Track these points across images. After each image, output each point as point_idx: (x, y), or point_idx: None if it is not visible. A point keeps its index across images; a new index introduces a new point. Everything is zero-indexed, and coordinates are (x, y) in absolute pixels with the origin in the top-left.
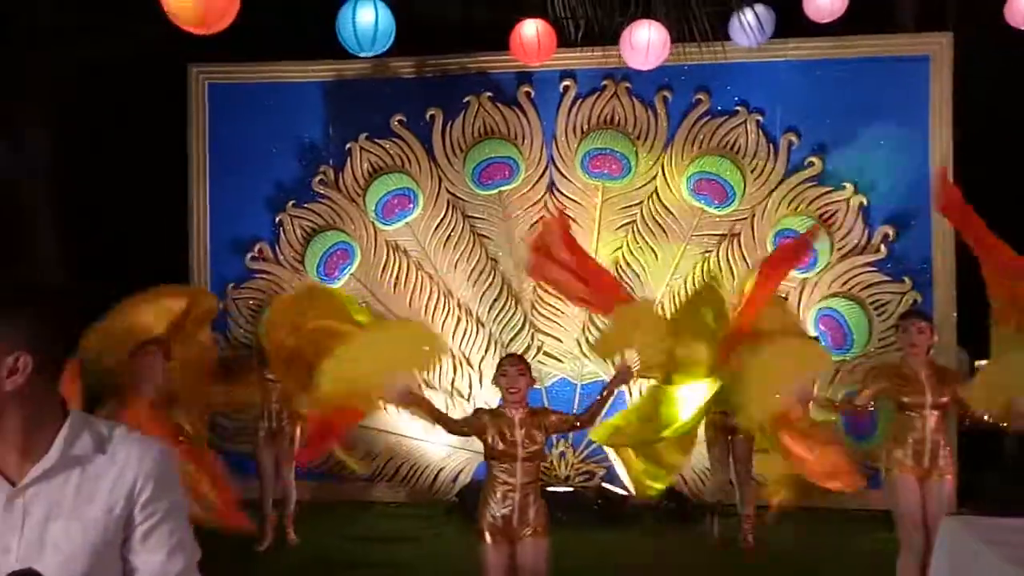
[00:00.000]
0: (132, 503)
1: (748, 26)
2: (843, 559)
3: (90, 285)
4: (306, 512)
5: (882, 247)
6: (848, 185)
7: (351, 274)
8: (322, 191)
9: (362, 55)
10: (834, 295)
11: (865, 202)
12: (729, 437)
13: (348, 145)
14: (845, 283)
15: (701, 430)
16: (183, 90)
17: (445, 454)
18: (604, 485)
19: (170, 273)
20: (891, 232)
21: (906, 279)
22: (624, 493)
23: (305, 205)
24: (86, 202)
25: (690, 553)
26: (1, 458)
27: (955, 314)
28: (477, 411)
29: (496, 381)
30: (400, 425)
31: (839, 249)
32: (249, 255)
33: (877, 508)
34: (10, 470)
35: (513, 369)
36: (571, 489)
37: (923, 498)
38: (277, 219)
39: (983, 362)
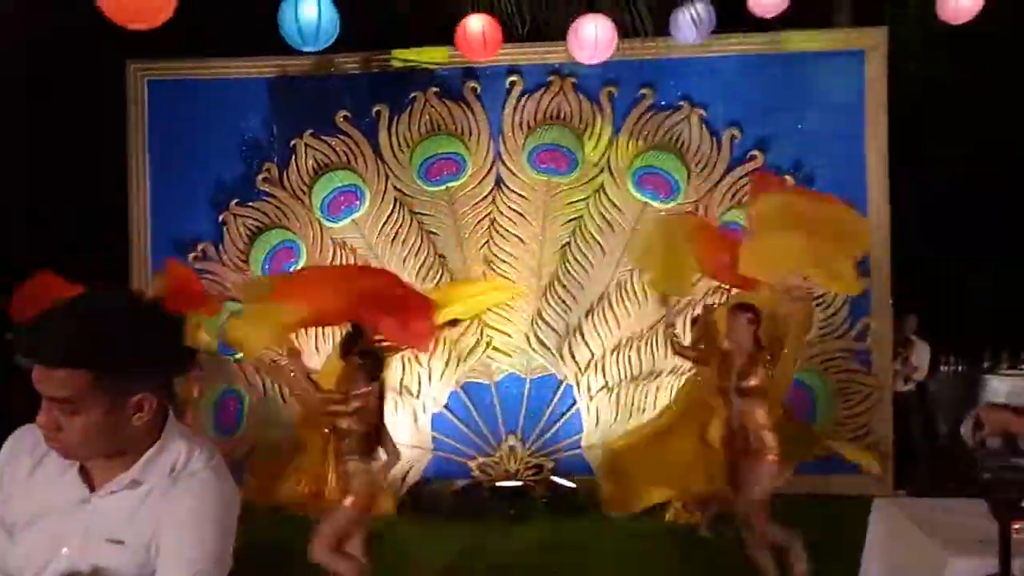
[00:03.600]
0: (157, 540)
1: (692, 20)
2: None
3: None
4: (251, 514)
5: None
6: (788, 178)
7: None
8: (266, 189)
9: (305, 50)
10: None
11: None
12: None
13: (292, 142)
14: None
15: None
16: (122, 87)
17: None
18: (553, 479)
19: (110, 275)
20: None
21: None
22: (572, 486)
23: (249, 204)
24: (22, 202)
25: (638, 542)
26: (98, 464)
27: (891, 302)
28: None
29: None
30: None
31: None
32: (191, 255)
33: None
34: (98, 475)
35: None
36: (520, 483)
37: None
38: (220, 218)
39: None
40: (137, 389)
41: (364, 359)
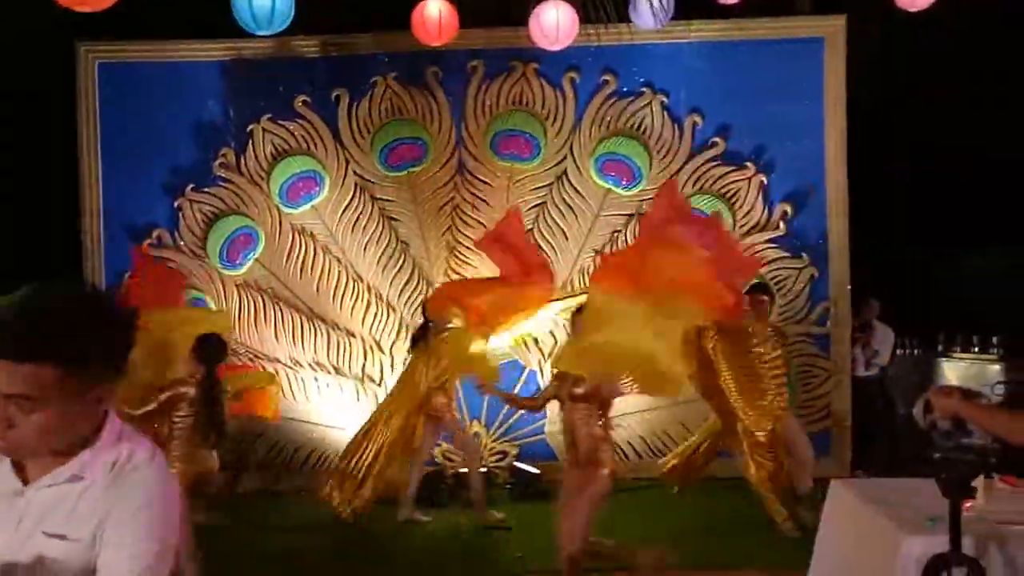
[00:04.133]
0: (100, 536)
1: (651, 6)
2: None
3: None
4: (234, 501)
5: (781, 224)
6: (749, 164)
7: (255, 259)
8: (223, 175)
9: (259, 34)
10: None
11: (765, 180)
12: None
13: (250, 127)
14: None
15: None
16: (72, 70)
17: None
18: (516, 464)
19: (61, 264)
20: (789, 209)
21: (804, 255)
22: (536, 471)
23: (205, 189)
24: None
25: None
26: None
27: (849, 287)
28: None
29: None
30: (318, 414)
31: (741, 227)
32: (147, 242)
33: None
34: (32, 469)
35: None
36: (484, 469)
37: None
38: (176, 204)
39: None
40: (95, 382)
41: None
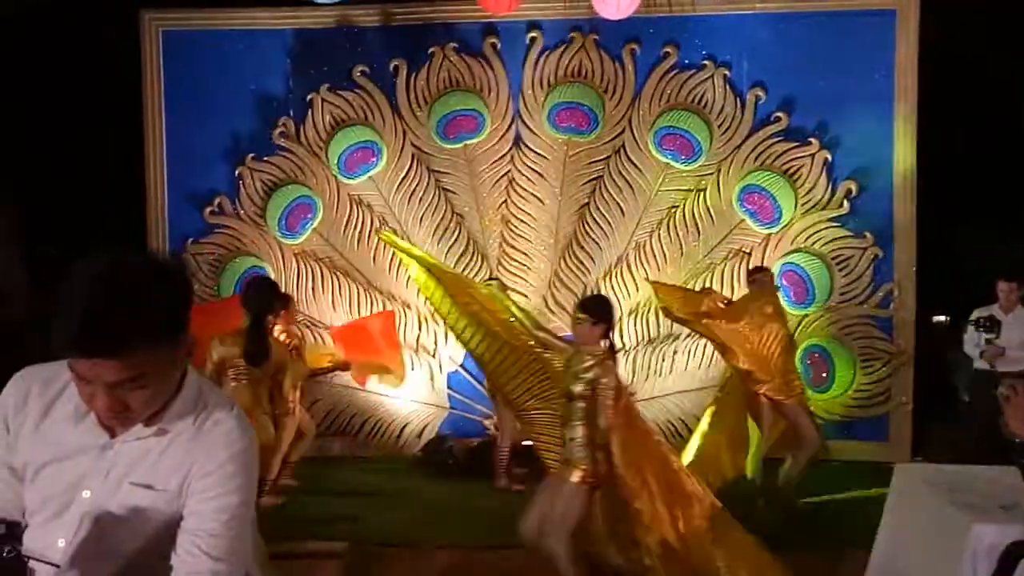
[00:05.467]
0: (187, 487)
1: None
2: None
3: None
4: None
5: (845, 202)
6: (813, 140)
7: (313, 229)
8: (283, 144)
9: (320, 3)
10: (797, 250)
11: (829, 157)
12: None
13: (309, 97)
14: (808, 238)
15: None
16: (136, 38)
17: (410, 409)
18: None
19: (126, 229)
20: (854, 187)
21: (867, 234)
22: None
23: (265, 158)
24: (34, 158)
25: None
26: None
27: (915, 269)
28: None
29: None
30: (373, 382)
31: (803, 204)
32: (208, 209)
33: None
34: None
35: None
36: (532, 443)
37: None
38: (236, 172)
39: None
40: (181, 346)
41: None
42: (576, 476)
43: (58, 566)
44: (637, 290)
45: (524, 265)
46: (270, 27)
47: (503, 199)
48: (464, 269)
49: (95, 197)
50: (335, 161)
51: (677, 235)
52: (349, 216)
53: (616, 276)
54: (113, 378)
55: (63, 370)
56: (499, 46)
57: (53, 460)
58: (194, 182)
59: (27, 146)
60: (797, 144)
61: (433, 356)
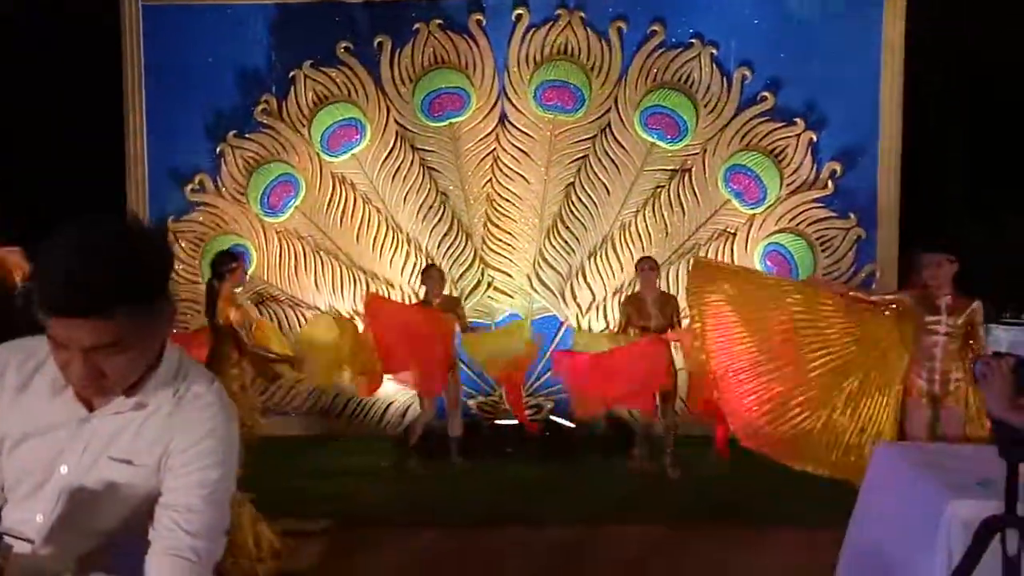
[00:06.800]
0: (165, 463)
1: None
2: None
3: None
4: (254, 446)
5: (829, 183)
6: (799, 120)
7: (296, 207)
8: (265, 121)
9: None
10: (781, 231)
11: (814, 138)
12: None
13: (292, 73)
14: (793, 219)
15: None
16: (116, 12)
17: (394, 389)
18: (552, 418)
19: (106, 207)
20: (838, 168)
21: (852, 215)
22: (571, 425)
23: (247, 135)
24: (11, 134)
25: (631, 480)
26: None
27: (897, 250)
28: None
29: None
30: None
31: (788, 185)
32: (189, 187)
33: None
34: (96, 398)
35: None
36: (519, 422)
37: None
38: (218, 150)
39: None
40: (160, 313)
41: None
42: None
43: (33, 542)
44: (622, 270)
45: (509, 244)
46: (252, 2)
47: (488, 178)
48: (448, 248)
49: (74, 174)
50: (318, 139)
51: (662, 215)
52: (332, 194)
53: (601, 256)
54: (89, 342)
55: (42, 344)
56: (485, 23)
57: (31, 434)
58: (175, 159)
59: (3, 122)
60: (783, 124)
61: None
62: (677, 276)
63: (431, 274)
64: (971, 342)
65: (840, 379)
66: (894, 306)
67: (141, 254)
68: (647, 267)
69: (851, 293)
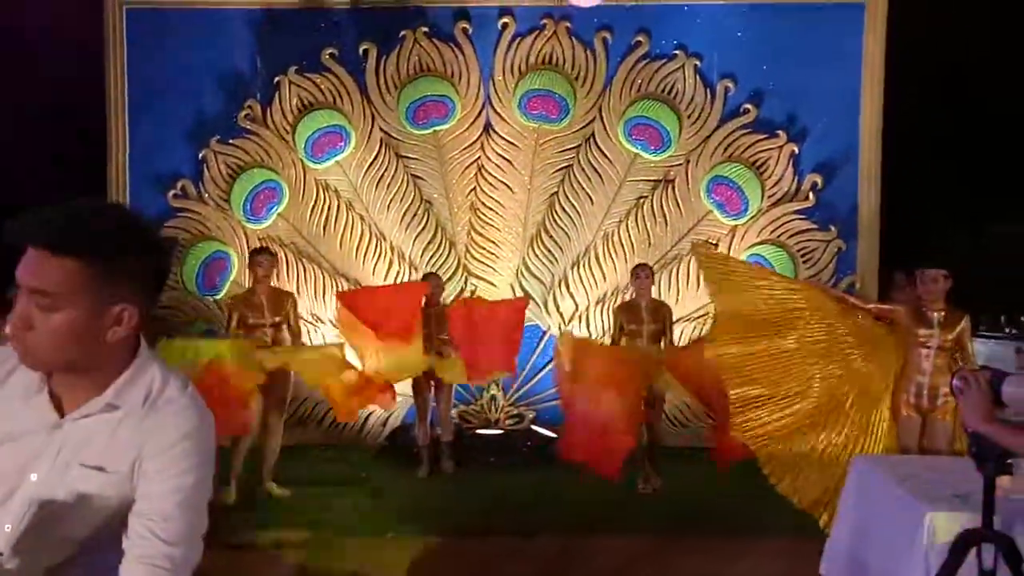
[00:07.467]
0: (139, 469)
1: None
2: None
3: None
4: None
5: (810, 195)
6: (781, 132)
7: (279, 214)
8: (248, 126)
9: None
10: (763, 242)
11: (796, 150)
12: None
13: (276, 79)
14: (774, 230)
15: None
16: (99, 14)
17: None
18: (533, 427)
19: None
20: (819, 180)
21: (832, 227)
22: (552, 435)
23: (230, 141)
24: None
25: (613, 491)
26: (67, 388)
27: (877, 262)
28: None
29: None
30: None
31: (770, 196)
32: (172, 192)
33: None
34: (67, 400)
35: None
36: (501, 432)
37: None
38: (201, 155)
39: None
40: (121, 298)
41: None
42: None
43: (1, 553)
44: (604, 280)
45: (492, 253)
46: (237, 6)
47: (472, 186)
48: (432, 256)
49: (55, 177)
50: (302, 145)
51: (645, 225)
52: (316, 201)
53: (584, 266)
54: (34, 282)
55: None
56: (470, 31)
57: (2, 440)
58: (158, 165)
59: None
60: (765, 136)
61: None
62: (659, 286)
63: (431, 282)
64: (957, 355)
65: (838, 389)
66: (888, 318)
67: (118, 222)
68: (643, 274)
69: (851, 300)
